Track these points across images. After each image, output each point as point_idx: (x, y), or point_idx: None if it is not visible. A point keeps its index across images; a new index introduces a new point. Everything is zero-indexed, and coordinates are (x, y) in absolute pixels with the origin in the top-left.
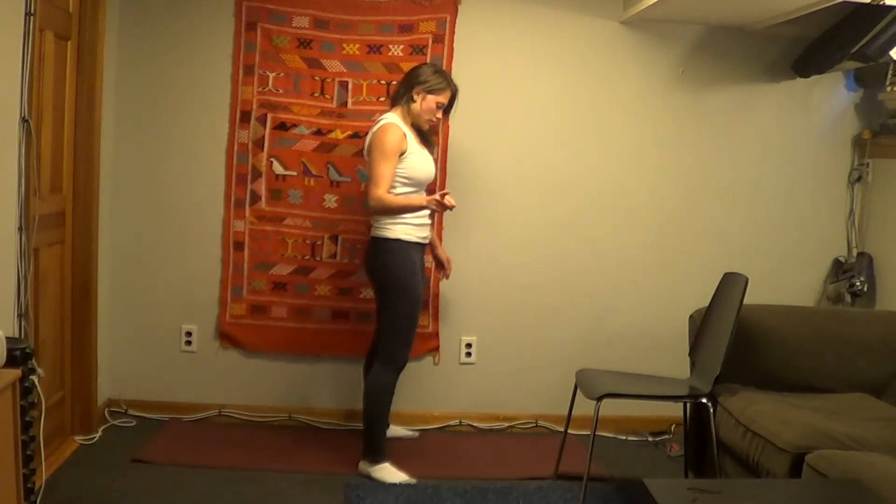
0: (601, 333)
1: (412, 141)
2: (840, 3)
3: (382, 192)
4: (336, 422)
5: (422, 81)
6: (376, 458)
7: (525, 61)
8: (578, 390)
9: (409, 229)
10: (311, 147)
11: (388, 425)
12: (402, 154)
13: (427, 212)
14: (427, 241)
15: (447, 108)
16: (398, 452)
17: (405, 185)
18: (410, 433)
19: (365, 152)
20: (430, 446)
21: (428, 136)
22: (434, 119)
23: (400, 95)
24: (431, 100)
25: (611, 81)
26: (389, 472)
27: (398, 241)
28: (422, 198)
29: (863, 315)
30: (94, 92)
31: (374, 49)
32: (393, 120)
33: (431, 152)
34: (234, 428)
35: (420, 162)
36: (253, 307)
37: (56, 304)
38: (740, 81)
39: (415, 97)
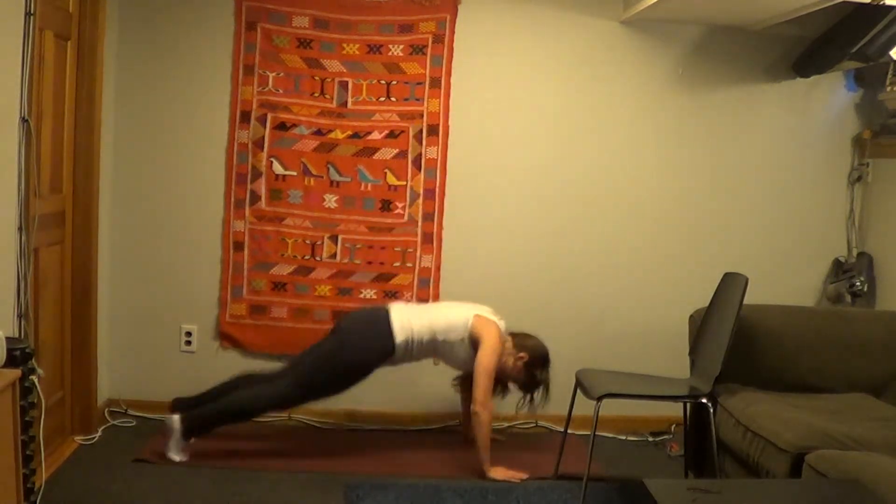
0: (601, 333)
1: None
2: (840, 3)
3: (490, 405)
4: (336, 422)
5: (531, 355)
6: (188, 435)
7: (525, 61)
8: (578, 390)
9: (403, 345)
10: (310, 147)
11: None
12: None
13: None
14: None
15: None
16: (396, 450)
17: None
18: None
19: (472, 327)
20: (431, 446)
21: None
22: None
23: (518, 336)
24: (520, 369)
25: (611, 81)
26: (177, 453)
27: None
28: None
29: (863, 315)
30: (94, 92)
31: (374, 49)
32: (502, 335)
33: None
34: (234, 428)
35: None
36: (253, 307)
37: (56, 304)
38: (740, 81)
39: (518, 358)
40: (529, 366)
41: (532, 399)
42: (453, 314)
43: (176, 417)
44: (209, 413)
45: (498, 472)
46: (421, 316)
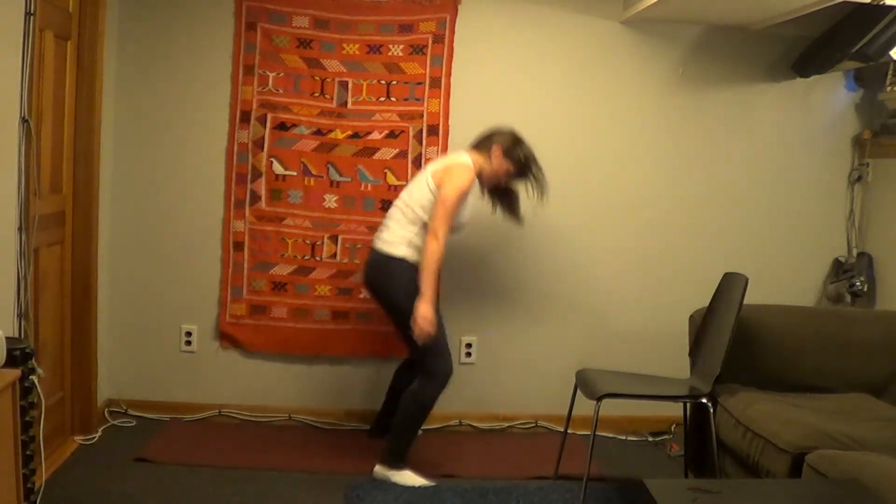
0: (601, 334)
1: (475, 189)
2: (840, 3)
3: (444, 237)
4: (336, 421)
5: (502, 143)
6: (398, 465)
7: (525, 61)
8: (578, 390)
9: (415, 253)
10: (310, 147)
11: (417, 437)
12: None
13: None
14: None
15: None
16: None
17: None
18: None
19: (432, 178)
20: (431, 446)
21: (510, 195)
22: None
23: (481, 144)
24: (501, 161)
25: (611, 81)
26: (410, 478)
27: (405, 261)
28: (430, 299)
29: (863, 315)
30: (94, 92)
31: (374, 49)
32: (470, 163)
33: (513, 214)
34: (234, 428)
35: (464, 209)
36: (253, 307)
37: (56, 304)
38: (740, 81)
39: (492, 155)
40: (507, 152)
41: (537, 185)
42: (417, 191)
43: (377, 469)
44: (395, 439)
45: (423, 308)
46: (400, 219)
